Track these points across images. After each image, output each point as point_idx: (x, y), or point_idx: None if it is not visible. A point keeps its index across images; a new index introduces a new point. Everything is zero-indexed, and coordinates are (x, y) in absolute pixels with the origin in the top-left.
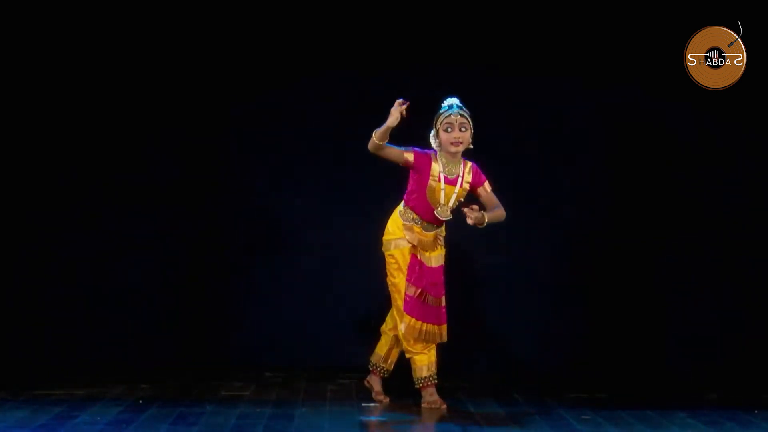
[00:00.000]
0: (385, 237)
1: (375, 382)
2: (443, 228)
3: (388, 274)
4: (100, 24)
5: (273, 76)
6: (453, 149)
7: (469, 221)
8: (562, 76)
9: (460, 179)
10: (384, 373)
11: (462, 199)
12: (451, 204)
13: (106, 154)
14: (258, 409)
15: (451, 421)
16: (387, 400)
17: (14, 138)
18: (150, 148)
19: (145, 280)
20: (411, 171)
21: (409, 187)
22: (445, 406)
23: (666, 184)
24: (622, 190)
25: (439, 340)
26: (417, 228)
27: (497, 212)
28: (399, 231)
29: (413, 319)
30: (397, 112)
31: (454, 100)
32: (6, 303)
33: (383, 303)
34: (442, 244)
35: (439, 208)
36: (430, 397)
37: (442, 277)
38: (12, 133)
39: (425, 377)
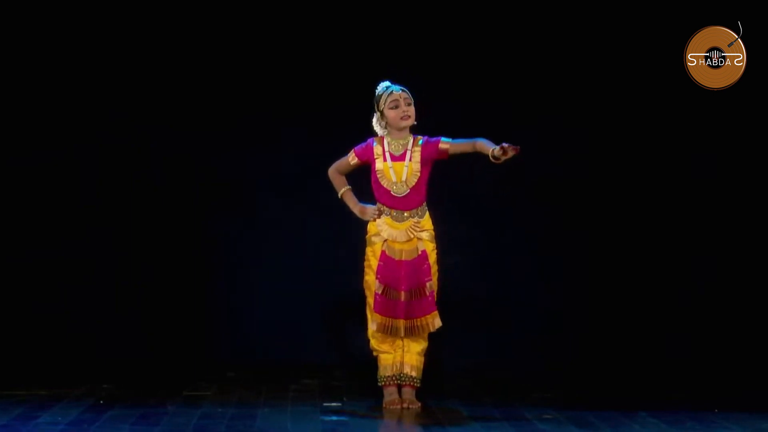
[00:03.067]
0: (367, 236)
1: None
2: (423, 221)
3: (364, 272)
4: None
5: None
6: (404, 123)
7: (503, 154)
8: (562, 76)
9: (408, 152)
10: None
11: (419, 174)
12: (404, 179)
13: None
14: (220, 409)
15: (413, 421)
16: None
17: (13, 137)
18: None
19: (106, 280)
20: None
21: (372, 183)
22: (410, 406)
23: (665, 184)
24: (622, 190)
25: (401, 335)
26: (387, 219)
27: (479, 144)
28: (374, 227)
29: (382, 317)
30: (370, 216)
31: (387, 82)
32: None
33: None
34: (423, 237)
35: (394, 187)
36: (389, 396)
37: (416, 270)
38: (12, 132)
39: (388, 376)
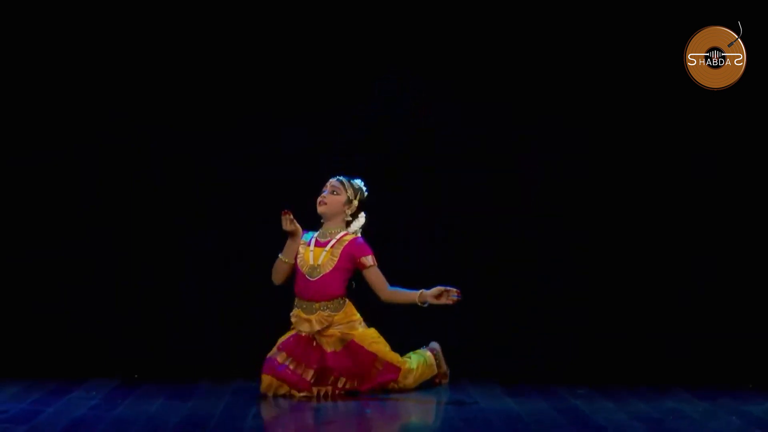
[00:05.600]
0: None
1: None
2: (338, 315)
3: None
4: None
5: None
6: (319, 208)
7: (437, 299)
8: (562, 76)
9: (333, 241)
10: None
11: (335, 262)
12: (320, 263)
13: None
14: (253, 384)
15: (449, 398)
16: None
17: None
18: None
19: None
20: None
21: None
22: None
23: (665, 184)
24: (622, 190)
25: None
26: (297, 311)
27: (400, 294)
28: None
29: (271, 379)
30: (284, 222)
31: (355, 179)
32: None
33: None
34: (336, 332)
35: (309, 270)
36: None
37: (352, 360)
38: (11, 132)
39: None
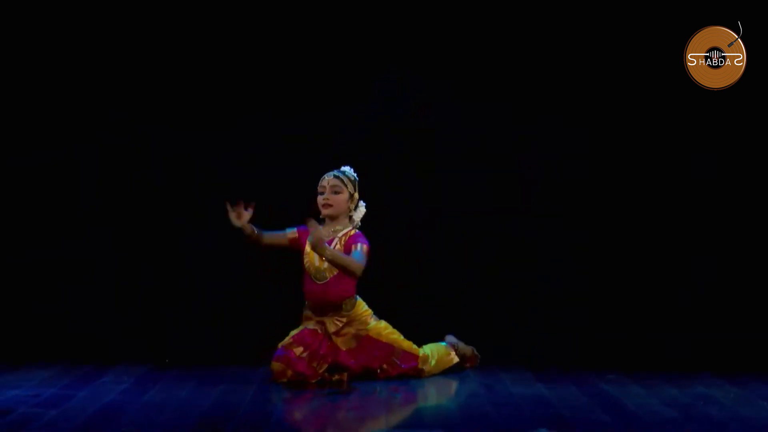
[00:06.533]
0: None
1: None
2: (354, 312)
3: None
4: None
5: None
6: (323, 211)
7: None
8: (562, 76)
9: (336, 240)
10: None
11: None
12: (326, 266)
13: None
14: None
15: (477, 383)
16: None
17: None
18: None
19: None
20: None
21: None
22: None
23: (665, 184)
24: (622, 190)
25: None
26: (308, 314)
27: (343, 257)
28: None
29: (282, 366)
30: (232, 216)
31: (346, 168)
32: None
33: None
34: (357, 327)
35: (316, 273)
36: None
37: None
38: (12, 132)
39: None
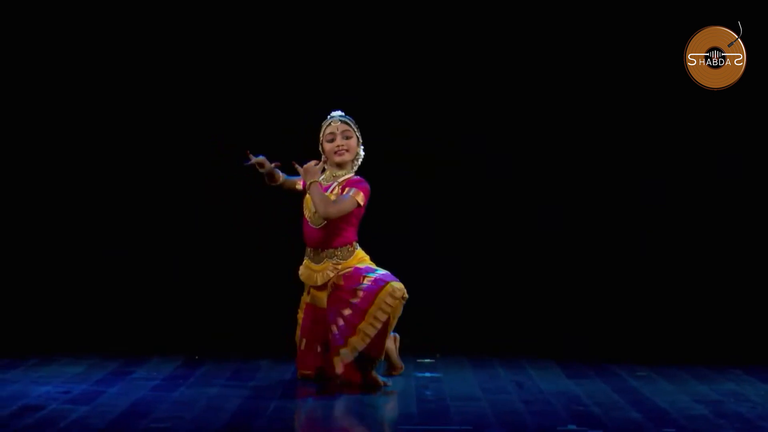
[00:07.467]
0: None
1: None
2: (349, 260)
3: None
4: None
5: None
6: (338, 159)
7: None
8: (562, 76)
9: (334, 185)
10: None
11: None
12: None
13: None
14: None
15: (507, 374)
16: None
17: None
18: None
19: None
20: None
21: None
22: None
23: (665, 184)
24: (622, 190)
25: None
26: (306, 261)
27: (318, 194)
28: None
29: (307, 371)
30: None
31: (336, 112)
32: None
33: None
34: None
35: (312, 216)
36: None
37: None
38: (12, 132)
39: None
